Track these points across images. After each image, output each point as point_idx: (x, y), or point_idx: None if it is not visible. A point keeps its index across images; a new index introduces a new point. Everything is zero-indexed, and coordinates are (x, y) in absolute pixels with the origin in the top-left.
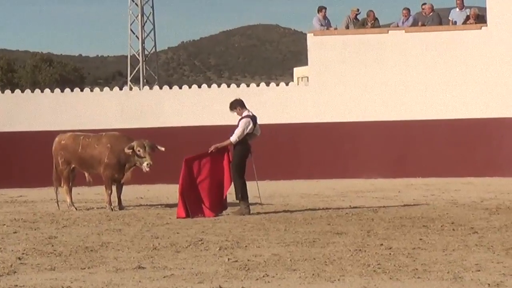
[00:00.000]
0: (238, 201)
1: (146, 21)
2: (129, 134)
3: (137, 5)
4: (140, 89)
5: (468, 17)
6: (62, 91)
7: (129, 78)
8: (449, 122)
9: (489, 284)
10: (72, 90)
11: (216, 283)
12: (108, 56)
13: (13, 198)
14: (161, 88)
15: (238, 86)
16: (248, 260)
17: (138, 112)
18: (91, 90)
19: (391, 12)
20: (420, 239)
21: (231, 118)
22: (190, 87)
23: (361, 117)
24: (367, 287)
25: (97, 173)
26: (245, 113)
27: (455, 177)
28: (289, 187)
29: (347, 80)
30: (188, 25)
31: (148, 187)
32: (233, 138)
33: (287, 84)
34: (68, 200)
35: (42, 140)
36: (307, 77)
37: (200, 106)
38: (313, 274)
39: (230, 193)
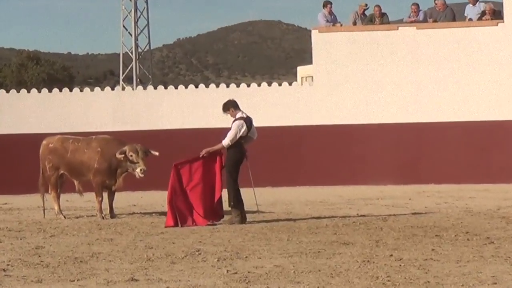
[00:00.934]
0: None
1: (139, 17)
2: (121, 138)
3: None
4: (133, 89)
5: (483, 13)
6: (50, 91)
7: (121, 78)
8: (464, 124)
9: None
10: (60, 90)
11: None
12: (99, 54)
13: None
14: (155, 88)
15: (237, 86)
16: (249, 272)
17: (131, 114)
18: (81, 90)
19: (401, 8)
20: (433, 250)
21: (231, 120)
22: (186, 87)
23: (369, 119)
24: None
25: (87, 180)
26: (239, 114)
27: (470, 183)
28: (292, 194)
29: (354, 79)
30: (185, 21)
31: (142, 194)
32: (225, 142)
33: (290, 84)
34: (56, 207)
35: (29, 143)
36: (312, 77)
37: (197, 107)
38: (318, 287)
39: (227, 201)
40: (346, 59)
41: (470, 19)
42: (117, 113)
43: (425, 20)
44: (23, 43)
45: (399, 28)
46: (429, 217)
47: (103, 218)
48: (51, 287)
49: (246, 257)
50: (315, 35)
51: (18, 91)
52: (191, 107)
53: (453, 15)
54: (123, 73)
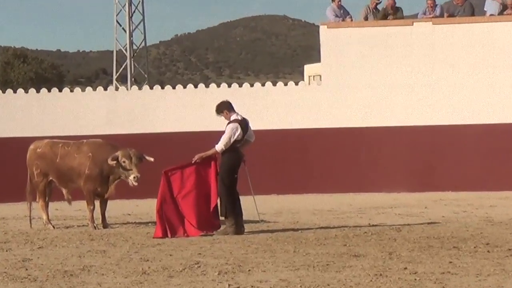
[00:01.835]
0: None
1: (134, 11)
2: (114, 142)
3: None
4: (127, 89)
5: (505, 7)
6: (38, 91)
7: (114, 77)
8: (483, 127)
9: None
10: (49, 91)
11: None
12: (90, 51)
13: None
14: (151, 88)
15: (240, 85)
16: (252, 286)
17: (125, 116)
18: (71, 91)
19: (416, 1)
20: (450, 262)
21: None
22: (185, 87)
23: (382, 122)
24: None
25: (77, 187)
26: (233, 117)
27: (490, 191)
28: (298, 202)
29: (365, 79)
30: (183, 16)
31: (137, 202)
32: (219, 146)
33: (296, 84)
34: (44, 217)
35: (15, 148)
36: (320, 76)
37: (196, 108)
38: None
39: None
40: (357, 57)
41: (492, 14)
42: (110, 115)
43: (441, 15)
44: (9, 39)
45: (414, 23)
46: (446, 227)
47: (95, 228)
48: None
49: (249, 270)
50: (323, 31)
51: (3, 91)
52: (190, 109)
53: (472, 10)
54: (116, 72)
